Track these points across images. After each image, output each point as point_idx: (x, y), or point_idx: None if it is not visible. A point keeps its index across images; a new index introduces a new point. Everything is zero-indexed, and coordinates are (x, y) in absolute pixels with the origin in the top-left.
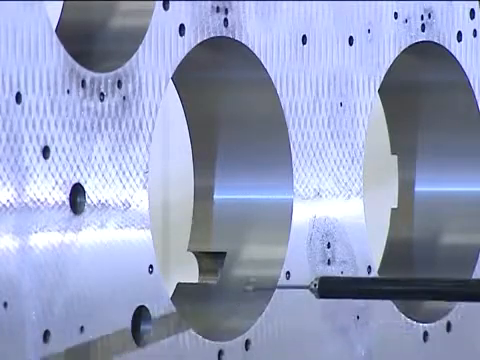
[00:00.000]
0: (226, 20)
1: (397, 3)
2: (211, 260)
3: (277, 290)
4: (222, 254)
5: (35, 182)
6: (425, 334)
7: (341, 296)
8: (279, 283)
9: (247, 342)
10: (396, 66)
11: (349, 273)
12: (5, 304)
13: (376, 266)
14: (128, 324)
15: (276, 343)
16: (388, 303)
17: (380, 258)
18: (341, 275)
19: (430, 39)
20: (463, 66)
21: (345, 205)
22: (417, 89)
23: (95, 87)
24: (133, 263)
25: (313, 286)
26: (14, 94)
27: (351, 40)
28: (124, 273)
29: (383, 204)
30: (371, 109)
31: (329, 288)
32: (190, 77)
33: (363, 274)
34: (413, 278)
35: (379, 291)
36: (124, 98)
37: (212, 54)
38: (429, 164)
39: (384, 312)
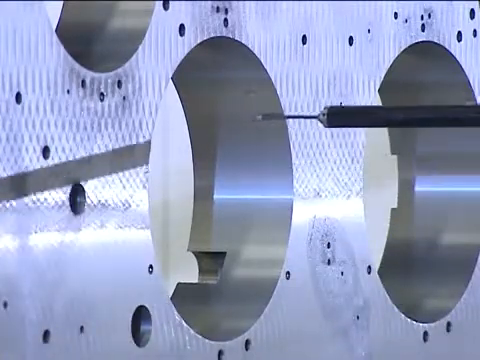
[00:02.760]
0: (226, 20)
1: (397, 3)
2: (211, 260)
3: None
4: (222, 254)
5: (35, 182)
6: (425, 334)
7: (350, 125)
8: (287, 113)
9: (247, 342)
10: (396, 66)
11: (349, 273)
12: (5, 304)
13: (376, 266)
14: (128, 324)
15: (276, 343)
16: (388, 303)
17: (380, 258)
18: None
19: (430, 39)
20: (463, 66)
21: (345, 205)
22: (417, 89)
23: (95, 87)
24: (133, 263)
25: (322, 115)
26: (14, 94)
27: (351, 40)
28: (124, 273)
29: (383, 204)
30: None
31: (338, 117)
32: (190, 77)
33: (363, 274)
34: (422, 105)
35: (387, 119)
36: (124, 98)
37: (212, 54)
38: (429, 164)
39: (384, 312)
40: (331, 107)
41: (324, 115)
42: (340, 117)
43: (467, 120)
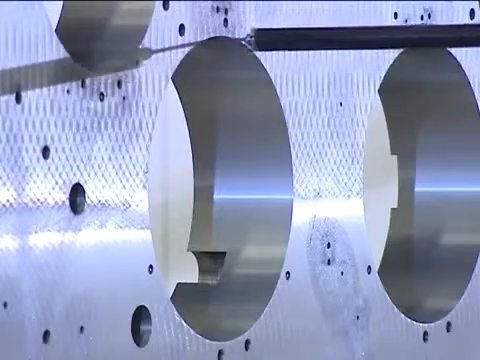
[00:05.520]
0: (226, 20)
1: (397, 3)
2: (211, 260)
3: None
4: (222, 254)
5: (35, 182)
6: (425, 334)
7: (280, 48)
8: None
9: (247, 342)
10: (396, 66)
11: (349, 273)
12: (5, 304)
13: (376, 266)
14: (128, 324)
15: (276, 343)
16: (388, 303)
17: (380, 258)
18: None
19: None
20: (463, 66)
21: (345, 205)
22: (417, 89)
23: (95, 87)
24: (133, 263)
25: (249, 38)
26: (14, 94)
27: None
28: (124, 273)
29: (383, 204)
30: (371, 109)
31: (266, 40)
32: (190, 77)
33: (363, 274)
34: (357, 26)
35: (319, 42)
36: (124, 98)
37: (212, 54)
38: (429, 164)
39: (384, 312)
40: (259, 29)
41: (251, 37)
42: (268, 39)
43: (396, 41)
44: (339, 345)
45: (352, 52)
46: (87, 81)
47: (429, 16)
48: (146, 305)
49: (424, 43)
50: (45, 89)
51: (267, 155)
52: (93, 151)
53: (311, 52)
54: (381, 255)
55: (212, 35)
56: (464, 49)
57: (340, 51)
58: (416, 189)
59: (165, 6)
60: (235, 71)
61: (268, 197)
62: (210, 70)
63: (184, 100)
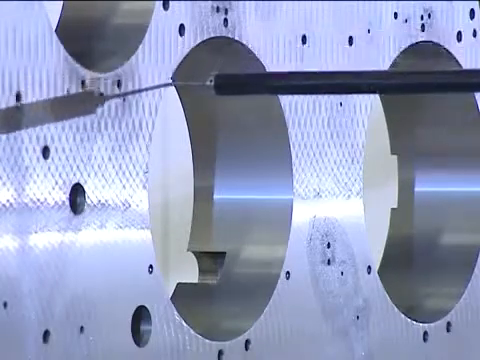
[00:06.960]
0: (226, 20)
1: (397, 3)
2: (211, 260)
3: None
4: (222, 254)
5: (35, 182)
6: (425, 334)
7: (240, 92)
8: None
9: (247, 342)
10: (396, 66)
11: (349, 273)
12: (5, 304)
13: (376, 266)
14: (128, 324)
15: (276, 343)
16: (388, 303)
17: (380, 258)
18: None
19: (430, 39)
20: (463, 66)
21: (345, 205)
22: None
23: (95, 87)
24: (133, 263)
25: (209, 82)
26: (14, 94)
27: (351, 40)
28: (124, 273)
29: (383, 204)
30: (371, 109)
31: (226, 83)
32: (190, 77)
33: (363, 274)
34: (315, 71)
35: (278, 87)
36: (124, 98)
37: (212, 54)
38: (429, 164)
39: (384, 312)
40: (219, 74)
41: (211, 81)
42: (228, 83)
43: (344, 87)
44: (339, 345)
45: (352, 52)
46: (87, 81)
47: (429, 16)
48: (146, 305)
49: (388, 90)
50: (45, 89)
51: (267, 155)
52: (93, 151)
53: (311, 52)
54: (381, 255)
55: (212, 35)
56: (464, 48)
57: (340, 51)
58: (416, 189)
59: (165, 6)
60: (235, 71)
61: (268, 197)
62: (210, 70)
63: (184, 100)
